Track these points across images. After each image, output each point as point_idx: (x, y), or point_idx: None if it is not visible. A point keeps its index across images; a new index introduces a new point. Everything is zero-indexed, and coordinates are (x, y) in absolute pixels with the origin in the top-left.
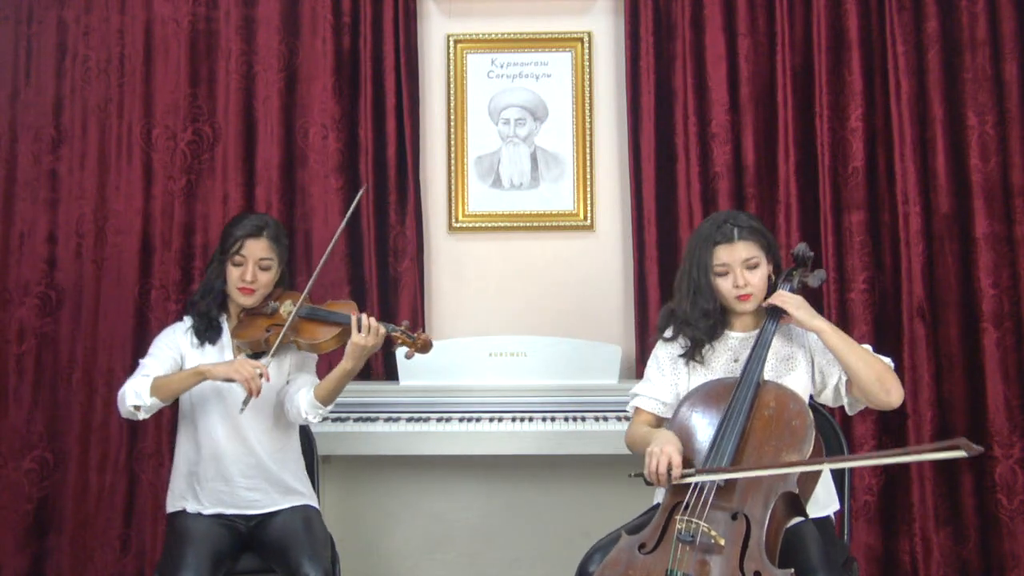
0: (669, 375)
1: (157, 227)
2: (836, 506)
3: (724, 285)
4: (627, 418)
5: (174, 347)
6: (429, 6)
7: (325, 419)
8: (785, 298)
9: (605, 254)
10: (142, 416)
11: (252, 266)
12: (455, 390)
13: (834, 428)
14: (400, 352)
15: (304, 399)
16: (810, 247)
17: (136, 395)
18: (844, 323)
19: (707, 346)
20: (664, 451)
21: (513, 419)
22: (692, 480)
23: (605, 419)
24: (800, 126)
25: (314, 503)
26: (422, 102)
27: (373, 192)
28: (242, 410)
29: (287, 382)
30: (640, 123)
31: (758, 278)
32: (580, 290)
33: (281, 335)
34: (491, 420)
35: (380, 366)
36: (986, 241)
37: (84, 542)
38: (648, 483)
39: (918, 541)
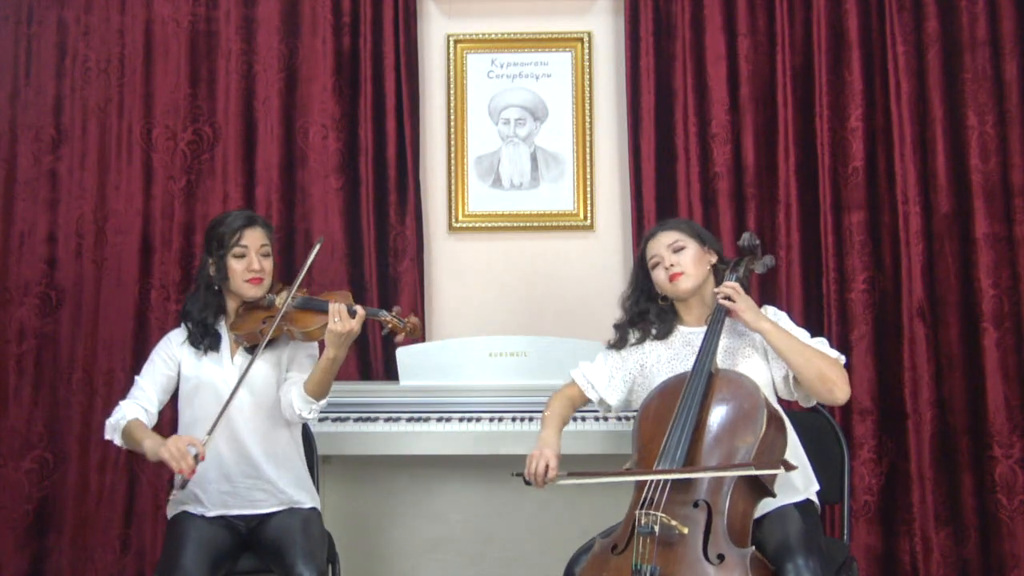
0: (617, 367)
1: (157, 227)
2: (816, 486)
3: (659, 275)
4: (626, 418)
5: (170, 361)
6: (429, 6)
7: (325, 418)
8: (730, 294)
9: (605, 254)
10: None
11: (254, 255)
12: (455, 390)
13: (834, 428)
14: (395, 339)
15: (295, 393)
16: (756, 235)
17: (113, 430)
18: (844, 323)
19: (657, 330)
20: (543, 454)
21: (513, 419)
22: (567, 483)
23: (605, 419)
24: (800, 126)
25: (315, 505)
26: (422, 102)
27: (373, 192)
28: (181, 488)
29: (285, 379)
30: (640, 123)
31: (687, 258)
32: (580, 290)
33: (275, 325)
34: (491, 420)
35: (380, 366)
36: (986, 241)
37: (84, 542)
38: (527, 483)
39: (918, 541)
